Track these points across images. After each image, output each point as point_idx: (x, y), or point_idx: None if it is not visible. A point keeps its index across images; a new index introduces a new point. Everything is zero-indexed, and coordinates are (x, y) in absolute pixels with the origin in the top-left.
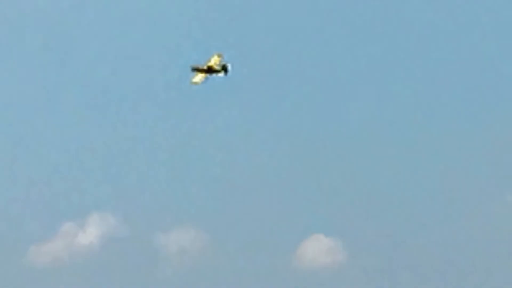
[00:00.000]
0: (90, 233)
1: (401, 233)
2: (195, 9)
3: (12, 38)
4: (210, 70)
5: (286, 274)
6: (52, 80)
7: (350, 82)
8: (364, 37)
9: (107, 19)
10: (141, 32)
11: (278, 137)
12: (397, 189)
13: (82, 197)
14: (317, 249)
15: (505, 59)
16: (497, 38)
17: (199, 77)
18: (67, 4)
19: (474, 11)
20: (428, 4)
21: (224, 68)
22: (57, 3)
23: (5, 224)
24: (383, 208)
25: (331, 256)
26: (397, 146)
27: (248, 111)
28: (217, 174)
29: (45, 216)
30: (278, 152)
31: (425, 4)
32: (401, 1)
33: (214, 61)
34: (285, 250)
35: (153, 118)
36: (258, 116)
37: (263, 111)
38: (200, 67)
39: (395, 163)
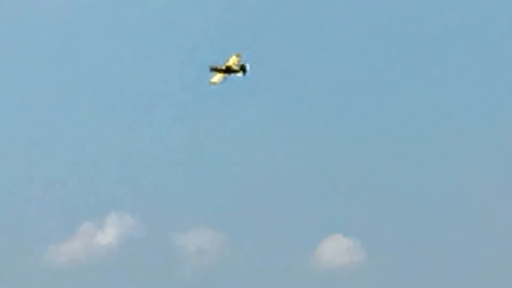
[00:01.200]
0: (109, 233)
1: (420, 233)
2: (213, 9)
3: (28, 38)
4: (228, 70)
5: (304, 274)
6: (69, 81)
7: (368, 83)
8: (381, 38)
9: (124, 18)
10: (158, 32)
11: (296, 137)
12: (415, 189)
13: (100, 198)
14: (336, 249)
15: None
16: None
17: (217, 77)
18: (84, 4)
19: (487, 11)
20: (442, 6)
21: (243, 68)
22: (74, 3)
23: (24, 224)
24: (402, 208)
25: (350, 256)
26: (415, 146)
27: (266, 111)
28: (234, 174)
29: (64, 216)
30: (295, 152)
31: (439, 6)
32: (416, 4)
33: (233, 61)
34: (303, 250)
35: (171, 118)
36: (275, 116)
37: (281, 111)
38: (219, 67)
39: (413, 164)
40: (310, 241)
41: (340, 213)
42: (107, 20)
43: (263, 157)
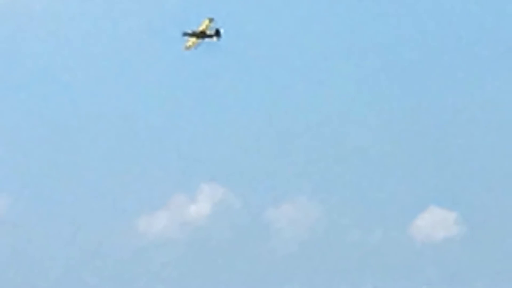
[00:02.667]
0: (201, 205)
1: None
2: None
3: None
4: (202, 35)
5: (401, 247)
6: None
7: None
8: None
9: None
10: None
11: (392, 110)
12: None
13: (192, 169)
14: (433, 222)
15: None
16: None
17: (191, 42)
18: None
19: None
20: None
21: (217, 33)
22: None
23: (118, 194)
24: (502, 181)
25: (447, 229)
26: None
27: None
28: (330, 147)
29: (157, 187)
30: (392, 125)
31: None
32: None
33: (206, 26)
34: (400, 223)
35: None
36: (373, 91)
37: (385, 84)
38: (192, 32)
39: None
40: (408, 214)
41: (438, 186)
42: None
43: (358, 129)
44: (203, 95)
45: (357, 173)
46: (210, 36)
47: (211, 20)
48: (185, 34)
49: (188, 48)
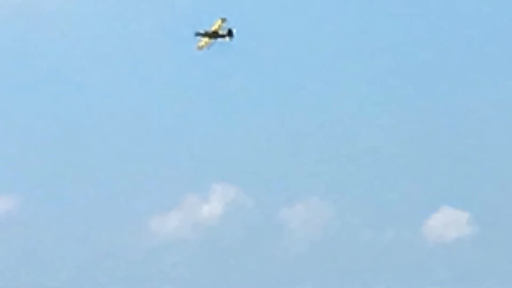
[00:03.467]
0: (214, 205)
1: None
2: None
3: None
4: (215, 35)
5: (413, 247)
6: None
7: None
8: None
9: None
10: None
11: (404, 110)
12: None
13: (205, 169)
14: (445, 222)
15: None
16: None
17: (204, 42)
18: None
19: None
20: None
21: (230, 33)
22: None
23: (130, 194)
24: None
25: (460, 229)
26: None
27: (381, 85)
28: (342, 147)
29: (169, 187)
30: (405, 125)
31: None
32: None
33: (218, 26)
34: (412, 223)
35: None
36: (385, 91)
37: (397, 84)
38: (205, 32)
39: None
40: (420, 214)
41: (450, 186)
42: None
43: (370, 130)
44: (215, 95)
45: (369, 173)
46: (223, 36)
47: (223, 20)
48: (198, 34)
49: (200, 48)
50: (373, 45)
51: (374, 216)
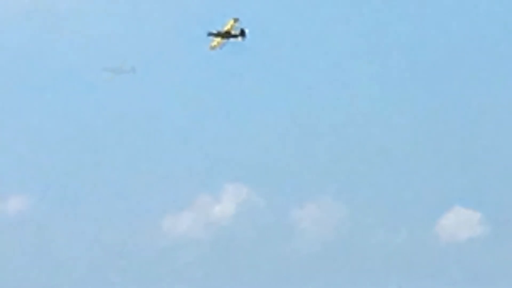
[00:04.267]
0: (225, 205)
1: None
2: None
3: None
4: (227, 35)
5: (426, 247)
6: None
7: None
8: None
9: None
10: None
11: (417, 111)
12: None
13: (217, 169)
14: (458, 222)
15: None
16: None
17: (216, 41)
18: None
19: None
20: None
21: (242, 33)
22: None
23: (143, 194)
24: None
25: (472, 229)
26: None
27: (393, 85)
28: (354, 147)
29: (181, 187)
30: (417, 125)
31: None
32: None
33: (231, 26)
34: (425, 223)
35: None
36: (397, 91)
37: (409, 84)
38: (218, 32)
39: None
40: (433, 214)
41: (463, 186)
42: None
43: (381, 130)
44: (227, 95)
45: (382, 173)
46: (235, 36)
47: (236, 20)
48: (210, 34)
49: (213, 48)
50: (385, 46)
51: (387, 216)
